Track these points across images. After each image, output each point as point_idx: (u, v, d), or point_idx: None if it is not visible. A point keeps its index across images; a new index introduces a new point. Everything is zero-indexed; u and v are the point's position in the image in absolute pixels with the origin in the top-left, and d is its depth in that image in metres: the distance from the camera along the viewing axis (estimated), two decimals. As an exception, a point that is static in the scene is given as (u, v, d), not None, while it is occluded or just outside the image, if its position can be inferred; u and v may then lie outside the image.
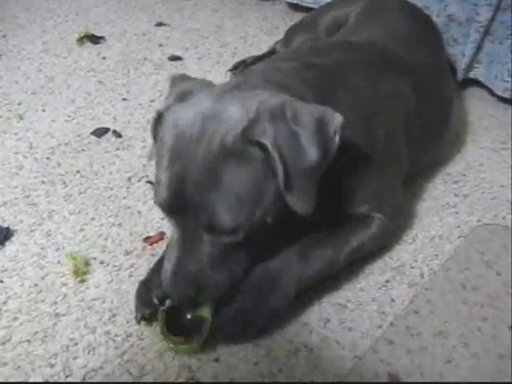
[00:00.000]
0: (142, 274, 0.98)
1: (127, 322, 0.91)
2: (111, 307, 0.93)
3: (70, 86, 1.51)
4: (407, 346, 0.92)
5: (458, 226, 1.16)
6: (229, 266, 0.85)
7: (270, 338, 0.90)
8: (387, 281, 1.04)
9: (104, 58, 1.66)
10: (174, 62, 1.69)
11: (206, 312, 0.85)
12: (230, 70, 1.65)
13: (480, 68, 1.70)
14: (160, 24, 1.88)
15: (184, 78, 0.92)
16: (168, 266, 0.82)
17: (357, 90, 1.01)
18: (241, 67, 1.64)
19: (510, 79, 1.59)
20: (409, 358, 0.89)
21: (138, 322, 0.88)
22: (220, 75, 1.64)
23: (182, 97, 0.83)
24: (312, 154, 0.78)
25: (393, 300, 1.00)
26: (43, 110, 1.39)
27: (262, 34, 1.91)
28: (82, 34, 1.72)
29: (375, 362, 0.89)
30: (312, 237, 0.96)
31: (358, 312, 0.97)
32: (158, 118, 0.84)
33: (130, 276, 0.99)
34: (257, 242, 0.85)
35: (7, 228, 1.05)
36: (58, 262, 1.01)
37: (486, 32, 1.63)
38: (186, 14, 1.99)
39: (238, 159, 0.75)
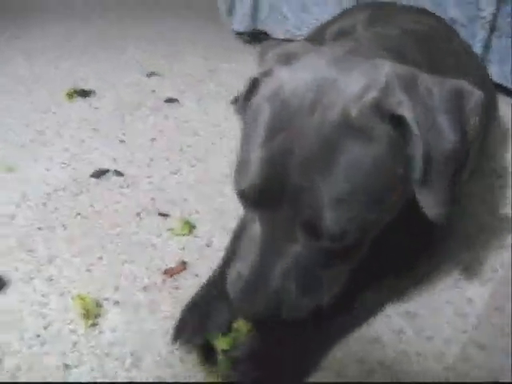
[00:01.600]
0: (166, 309, 0.82)
1: (156, 365, 0.73)
2: (133, 350, 0.76)
3: (63, 136, 1.39)
4: (501, 346, 0.74)
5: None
6: (318, 286, 0.66)
7: (335, 360, 0.72)
8: (457, 279, 0.88)
9: (96, 108, 1.56)
10: (170, 104, 1.59)
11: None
12: (233, 103, 1.56)
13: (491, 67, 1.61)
14: (151, 74, 1.81)
15: (278, 44, 0.77)
16: (241, 272, 0.64)
17: (459, 56, 0.89)
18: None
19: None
20: (506, 360, 0.71)
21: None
22: (221, 112, 1.54)
23: (286, 60, 0.67)
24: (451, 136, 0.60)
25: (470, 300, 0.83)
26: (35, 161, 1.26)
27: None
28: (72, 90, 1.63)
29: (471, 370, 0.70)
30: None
31: (433, 318, 0.80)
32: (252, 86, 0.68)
33: (152, 313, 0.82)
34: (357, 256, 0.68)
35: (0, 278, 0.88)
36: (64, 308, 0.83)
37: (493, 28, 1.56)
38: (175, 63, 1.92)
39: (363, 136, 0.58)
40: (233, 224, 0.92)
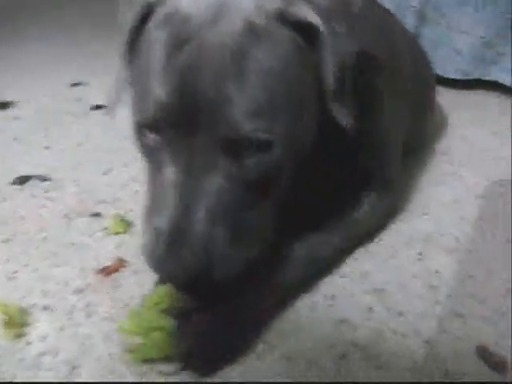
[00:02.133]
0: (104, 311, 0.71)
1: (96, 371, 0.62)
2: (70, 358, 0.64)
3: (-23, 146, 1.25)
4: (480, 314, 0.69)
5: (468, 189, 1.02)
6: (247, 233, 0.58)
7: (305, 348, 0.65)
8: (420, 253, 0.83)
9: (16, 118, 1.43)
10: (98, 111, 1.48)
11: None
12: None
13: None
14: (76, 84, 1.70)
15: None
16: (159, 227, 0.55)
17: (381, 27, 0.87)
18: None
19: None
20: (489, 327, 0.66)
21: None
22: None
23: None
24: (348, 42, 0.61)
25: (437, 271, 0.78)
26: None
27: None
28: (-13, 102, 1.49)
29: (454, 341, 0.65)
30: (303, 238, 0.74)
31: (402, 293, 0.74)
32: (145, 13, 0.63)
33: (89, 316, 0.71)
34: (284, 187, 0.63)
35: None
36: (-18, 319, 0.71)
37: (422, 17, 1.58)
38: (104, 75, 1.81)
39: (269, 43, 0.56)
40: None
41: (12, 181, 1.08)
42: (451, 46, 1.54)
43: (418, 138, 1.13)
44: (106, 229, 0.91)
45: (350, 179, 0.81)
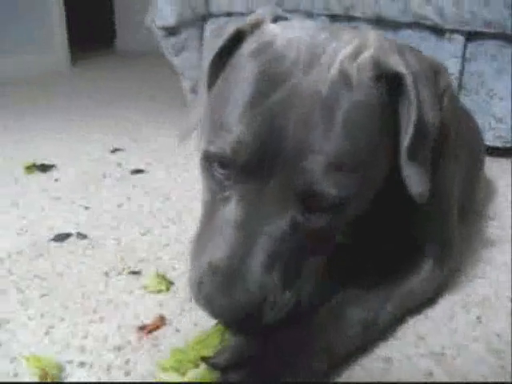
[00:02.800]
0: (144, 369, 0.67)
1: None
2: (105, 416, 0.60)
3: (20, 205, 1.27)
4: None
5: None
6: (297, 278, 0.56)
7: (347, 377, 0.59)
8: (478, 317, 0.77)
9: (57, 180, 1.45)
10: (137, 175, 1.50)
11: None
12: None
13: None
14: (115, 150, 1.74)
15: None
16: (215, 263, 0.53)
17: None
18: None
19: None
20: None
21: None
22: (193, 179, 1.46)
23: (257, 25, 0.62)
24: (432, 109, 0.58)
25: (498, 335, 0.73)
26: (-14, 233, 1.13)
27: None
28: (30, 164, 1.53)
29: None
30: (347, 292, 0.70)
31: (463, 358, 0.68)
32: (235, 40, 0.61)
33: (127, 374, 0.67)
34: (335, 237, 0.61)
35: None
36: (15, 374, 0.67)
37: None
38: (141, 141, 1.86)
39: (361, 94, 0.55)
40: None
41: (51, 238, 1.08)
42: (491, 114, 1.53)
43: (470, 202, 1.09)
44: (145, 287, 0.89)
45: (407, 240, 0.77)
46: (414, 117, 0.56)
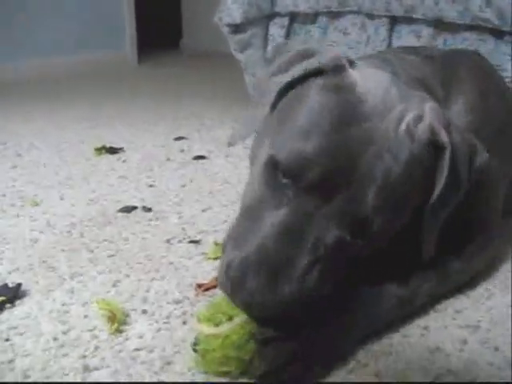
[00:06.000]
0: (199, 320, 0.72)
1: (189, 370, 0.63)
2: (163, 355, 0.66)
3: (90, 182, 1.36)
4: None
5: None
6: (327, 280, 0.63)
7: (397, 366, 0.62)
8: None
9: (124, 161, 1.55)
10: (199, 160, 1.57)
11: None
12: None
13: None
14: (179, 138, 1.82)
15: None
16: (255, 253, 0.59)
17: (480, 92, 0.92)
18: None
19: None
20: None
21: None
22: (247, 170, 1.51)
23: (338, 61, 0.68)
24: (463, 181, 0.68)
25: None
26: (61, 199, 1.23)
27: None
28: (100, 146, 1.63)
29: None
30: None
31: (498, 330, 0.69)
32: (313, 73, 0.67)
33: (185, 323, 0.73)
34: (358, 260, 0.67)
35: (18, 285, 0.80)
36: (85, 316, 0.74)
37: None
38: (204, 131, 1.94)
39: (416, 154, 0.63)
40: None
41: (119, 209, 1.16)
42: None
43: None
44: (204, 254, 0.94)
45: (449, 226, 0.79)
46: (443, 179, 0.65)
